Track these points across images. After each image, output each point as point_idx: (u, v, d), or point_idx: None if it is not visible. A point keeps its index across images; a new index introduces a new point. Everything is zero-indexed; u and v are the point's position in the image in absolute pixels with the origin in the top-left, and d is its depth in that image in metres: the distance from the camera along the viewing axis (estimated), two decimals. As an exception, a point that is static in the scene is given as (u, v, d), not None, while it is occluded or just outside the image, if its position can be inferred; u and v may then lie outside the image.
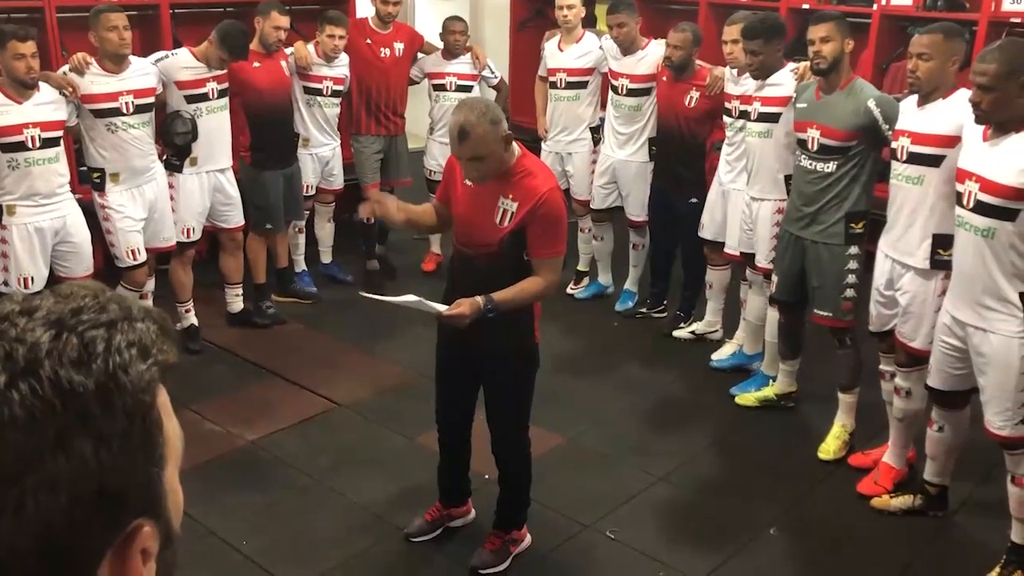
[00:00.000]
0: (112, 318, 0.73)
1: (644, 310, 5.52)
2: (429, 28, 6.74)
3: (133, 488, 0.71)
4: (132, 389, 0.71)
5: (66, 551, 0.68)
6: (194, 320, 5.08)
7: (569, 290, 5.80)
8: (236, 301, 5.34)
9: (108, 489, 0.69)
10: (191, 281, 5.05)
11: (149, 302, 4.85)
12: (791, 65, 4.24)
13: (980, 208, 3.01)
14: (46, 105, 4.19)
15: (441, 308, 2.99)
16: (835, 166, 3.80)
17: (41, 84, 4.18)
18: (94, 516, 0.69)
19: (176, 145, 4.77)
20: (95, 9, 4.43)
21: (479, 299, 2.92)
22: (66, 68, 4.37)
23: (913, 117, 3.46)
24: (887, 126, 3.62)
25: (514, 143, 3.04)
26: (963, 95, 3.28)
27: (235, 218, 5.13)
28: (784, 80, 4.22)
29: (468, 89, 5.86)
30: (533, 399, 3.30)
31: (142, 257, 4.63)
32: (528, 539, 3.44)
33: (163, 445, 0.74)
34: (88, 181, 4.61)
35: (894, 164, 3.53)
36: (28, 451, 0.66)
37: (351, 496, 3.74)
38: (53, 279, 4.31)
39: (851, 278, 3.89)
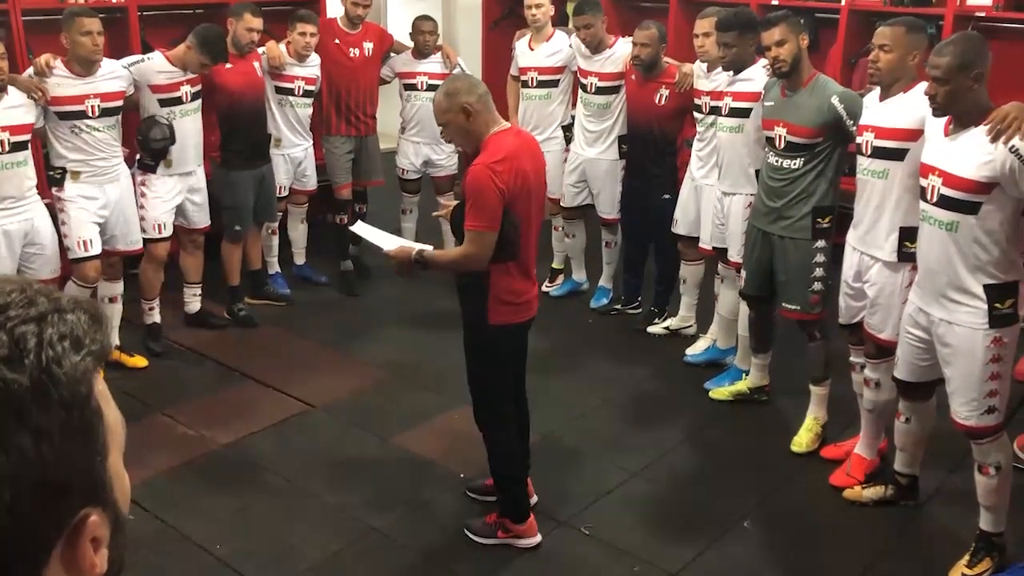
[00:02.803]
0: (41, 312, 0.73)
1: (619, 307, 5.54)
2: (401, 28, 6.73)
3: (77, 479, 0.71)
4: (67, 381, 0.71)
5: (13, 545, 0.68)
6: (157, 318, 5.04)
7: (544, 288, 5.80)
8: (194, 301, 5.30)
9: (51, 482, 0.69)
10: (160, 281, 5.00)
11: (119, 306, 4.82)
12: (763, 61, 4.27)
13: (943, 202, 3.03)
14: (15, 109, 4.13)
15: (387, 248, 3.29)
16: (802, 162, 3.83)
17: (9, 87, 4.12)
18: (39, 510, 0.69)
19: (153, 150, 4.73)
20: (68, 11, 4.37)
21: (413, 250, 3.21)
22: (31, 71, 4.32)
23: (876, 112, 3.49)
24: (851, 122, 3.65)
25: (499, 122, 3.13)
26: (923, 88, 3.31)
27: (201, 220, 5.10)
28: (756, 75, 4.25)
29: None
30: (499, 395, 3.35)
31: (94, 250, 4.52)
32: (530, 541, 3.42)
33: (104, 433, 0.75)
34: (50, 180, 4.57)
35: (859, 159, 3.56)
36: None
37: (326, 498, 3.73)
38: None
39: (818, 272, 3.92)
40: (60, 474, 0.70)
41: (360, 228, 3.61)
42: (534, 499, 3.63)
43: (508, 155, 3.03)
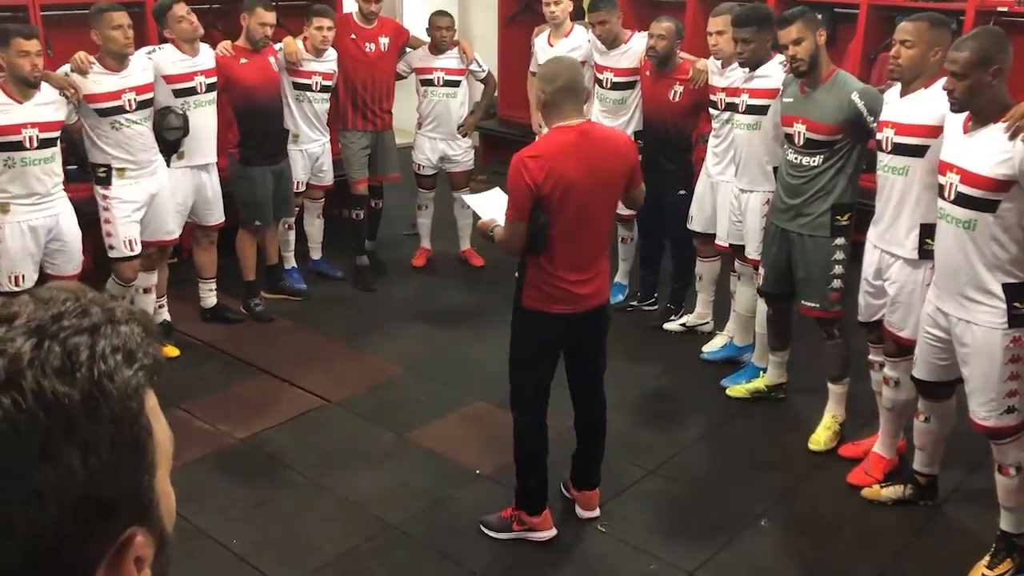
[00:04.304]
0: (95, 322, 0.72)
1: (635, 303, 5.52)
2: (418, 22, 6.72)
3: (123, 497, 0.70)
4: (118, 396, 0.69)
5: (57, 565, 0.67)
6: (167, 316, 5.08)
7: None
8: (210, 296, 5.33)
9: (97, 499, 0.68)
10: (166, 277, 5.06)
11: (153, 296, 4.87)
12: (779, 57, 4.23)
13: (961, 200, 3.00)
14: (47, 105, 4.16)
15: (483, 217, 3.43)
16: (821, 159, 3.80)
17: (41, 84, 4.14)
18: (85, 527, 0.67)
19: (167, 140, 4.75)
20: (97, 7, 4.41)
21: (493, 223, 3.30)
22: (67, 68, 4.34)
23: (896, 108, 3.46)
24: (872, 118, 3.61)
25: (569, 118, 3.15)
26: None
27: (215, 216, 5.12)
28: (772, 72, 4.21)
29: (456, 84, 5.85)
30: (525, 379, 3.37)
31: (138, 249, 4.63)
32: (544, 535, 3.43)
33: (153, 451, 0.73)
34: (76, 179, 4.59)
35: (880, 155, 3.53)
36: (13, 465, 0.65)
37: (342, 493, 3.74)
38: (41, 277, 4.30)
39: (838, 269, 3.89)
40: (107, 491, 0.68)
41: (470, 199, 3.76)
42: (595, 512, 3.58)
43: (546, 152, 3.10)
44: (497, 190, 3.73)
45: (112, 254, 4.59)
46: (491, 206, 3.50)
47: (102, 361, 0.69)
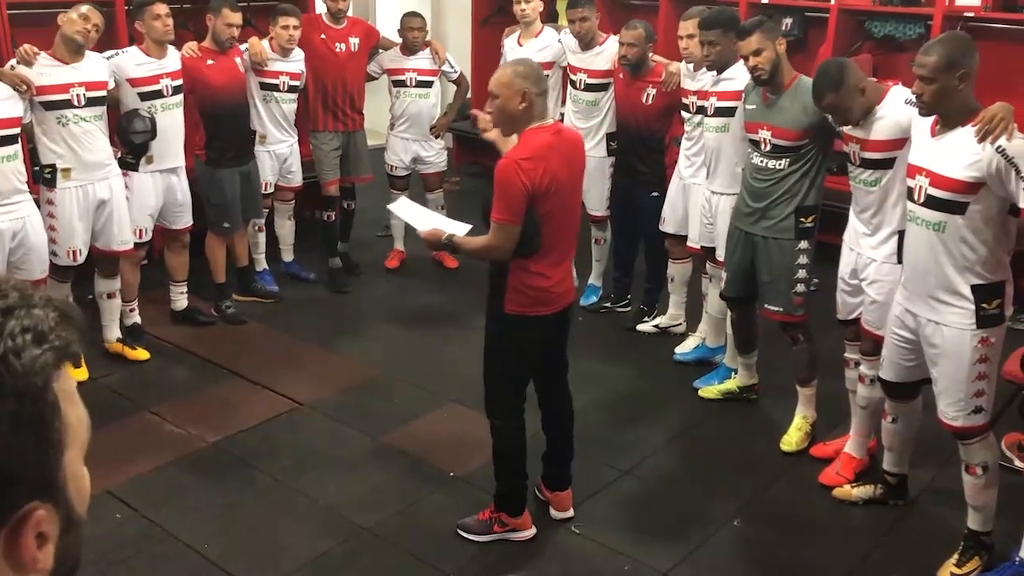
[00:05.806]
0: (10, 304, 0.74)
1: (608, 304, 5.53)
2: (390, 24, 6.70)
3: (25, 470, 0.72)
4: (23, 372, 0.71)
5: None
6: (137, 319, 5.00)
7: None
8: (180, 299, 5.28)
9: None
10: (138, 281, 4.98)
11: (118, 301, 4.82)
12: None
13: (930, 202, 3.04)
14: (2, 102, 4.07)
15: (420, 229, 3.38)
16: (787, 163, 3.83)
17: None
18: None
19: (134, 144, 4.69)
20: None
21: (444, 234, 3.27)
22: (14, 62, 4.27)
23: (859, 125, 3.48)
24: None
25: (543, 118, 3.18)
26: (896, 95, 3.33)
27: (184, 219, 5.07)
28: (739, 74, 4.23)
29: (428, 84, 5.85)
30: (507, 384, 3.37)
31: (81, 259, 4.53)
32: (526, 533, 3.45)
33: (61, 429, 0.75)
34: (39, 179, 4.52)
35: (850, 167, 3.56)
36: None
37: (314, 496, 3.71)
38: None
39: (802, 273, 3.92)
40: (6, 463, 0.70)
41: (397, 207, 3.71)
42: (569, 513, 3.59)
43: (537, 153, 3.09)
44: (404, 198, 3.76)
45: (56, 261, 4.44)
46: (417, 216, 3.51)
47: (10, 339, 0.72)
